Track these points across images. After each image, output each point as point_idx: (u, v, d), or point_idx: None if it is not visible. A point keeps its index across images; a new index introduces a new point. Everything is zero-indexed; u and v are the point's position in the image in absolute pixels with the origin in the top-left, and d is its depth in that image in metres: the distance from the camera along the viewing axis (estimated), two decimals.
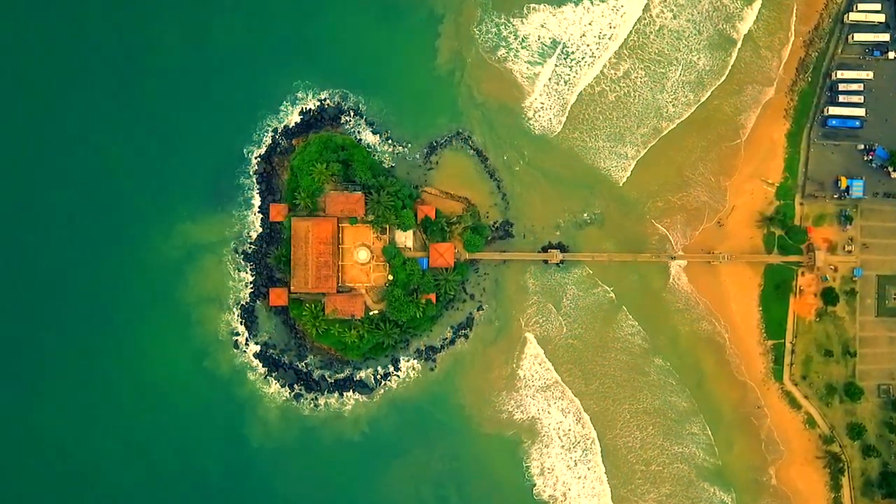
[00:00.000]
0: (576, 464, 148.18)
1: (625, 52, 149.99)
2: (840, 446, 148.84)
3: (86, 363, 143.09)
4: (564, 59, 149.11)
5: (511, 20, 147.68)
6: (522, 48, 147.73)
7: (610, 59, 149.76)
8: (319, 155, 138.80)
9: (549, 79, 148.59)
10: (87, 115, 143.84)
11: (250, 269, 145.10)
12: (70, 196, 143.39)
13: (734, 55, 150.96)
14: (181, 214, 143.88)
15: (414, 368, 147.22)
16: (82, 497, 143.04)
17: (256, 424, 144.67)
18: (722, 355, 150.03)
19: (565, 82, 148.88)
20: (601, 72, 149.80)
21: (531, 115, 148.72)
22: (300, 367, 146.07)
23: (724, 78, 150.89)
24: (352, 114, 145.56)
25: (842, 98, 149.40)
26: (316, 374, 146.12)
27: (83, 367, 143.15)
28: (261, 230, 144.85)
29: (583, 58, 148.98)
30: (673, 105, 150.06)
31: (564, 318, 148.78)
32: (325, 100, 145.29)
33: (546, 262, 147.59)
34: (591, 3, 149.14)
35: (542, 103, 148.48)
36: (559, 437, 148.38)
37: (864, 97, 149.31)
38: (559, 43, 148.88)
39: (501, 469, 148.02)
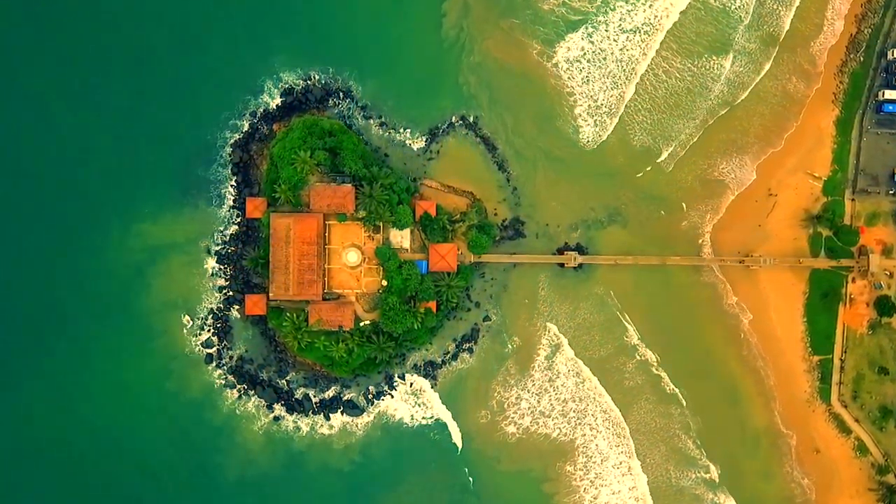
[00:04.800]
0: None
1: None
2: None
3: (34, 383, 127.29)
4: (589, 35, 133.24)
5: None
6: (540, 23, 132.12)
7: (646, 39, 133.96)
8: (303, 141, 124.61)
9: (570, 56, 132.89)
10: (31, 100, 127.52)
11: (223, 273, 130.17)
12: (15, 194, 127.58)
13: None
14: (144, 211, 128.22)
15: (411, 387, 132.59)
16: None
17: (232, 451, 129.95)
18: (760, 372, 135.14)
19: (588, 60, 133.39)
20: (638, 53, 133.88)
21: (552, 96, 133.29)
22: (281, 384, 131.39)
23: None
24: (341, 95, 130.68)
25: None
26: (299, 392, 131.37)
27: (30, 388, 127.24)
28: (236, 228, 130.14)
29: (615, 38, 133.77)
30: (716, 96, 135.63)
31: (580, 328, 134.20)
32: (310, 79, 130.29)
33: (562, 265, 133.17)
34: None
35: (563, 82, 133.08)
36: (584, 470, 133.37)
37: None
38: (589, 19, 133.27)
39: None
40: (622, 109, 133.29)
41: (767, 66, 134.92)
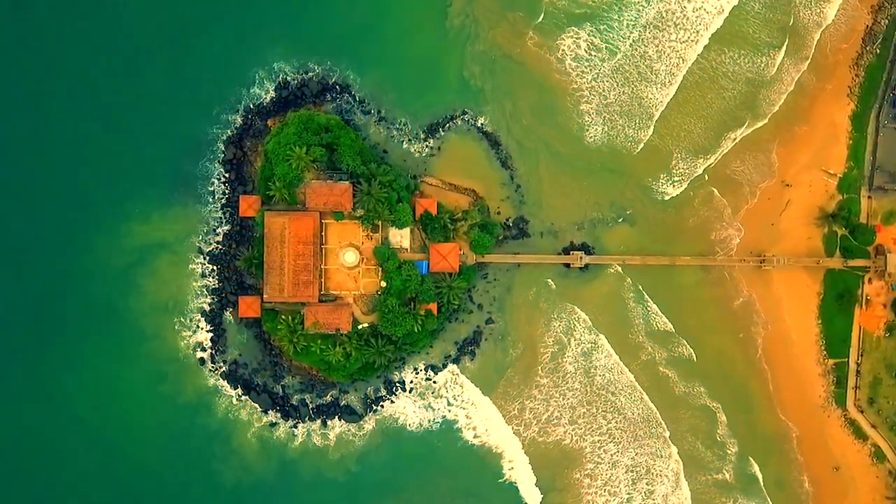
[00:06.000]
0: None
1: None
2: None
3: (23, 387, 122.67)
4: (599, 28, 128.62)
5: None
6: (546, 15, 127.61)
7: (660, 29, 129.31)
8: (298, 137, 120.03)
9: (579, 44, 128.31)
10: (10, 96, 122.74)
11: (216, 274, 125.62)
12: None
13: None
14: (133, 210, 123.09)
15: (410, 393, 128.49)
16: None
17: (227, 457, 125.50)
18: (772, 375, 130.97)
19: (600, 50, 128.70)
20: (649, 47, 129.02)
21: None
22: (276, 389, 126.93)
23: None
24: (338, 89, 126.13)
25: None
26: (295, 398, 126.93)
27: (19, 393, 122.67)
28: (229, 227, 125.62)
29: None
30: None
31: (588, 331, 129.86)
32: (307, 72, 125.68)
33: (568, 265, 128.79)
34: None
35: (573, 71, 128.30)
36: (591, 477, 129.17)
37: None
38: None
39: None
40: (657, 114, 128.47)
41: (804, 67, 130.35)
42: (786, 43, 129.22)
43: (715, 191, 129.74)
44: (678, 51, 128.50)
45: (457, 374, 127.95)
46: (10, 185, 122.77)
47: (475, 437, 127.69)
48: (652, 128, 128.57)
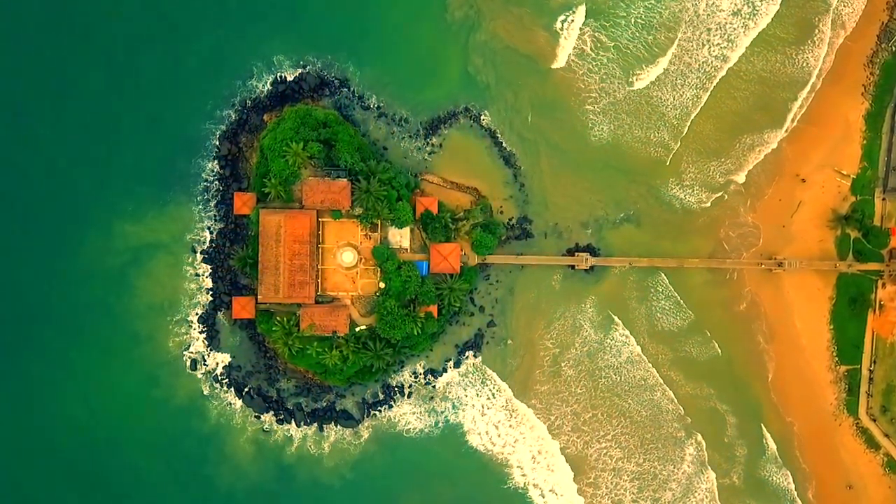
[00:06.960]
0: None
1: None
2: None
3: (17, 389, 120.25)
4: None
5: None
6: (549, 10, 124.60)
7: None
8: (295, 133, 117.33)
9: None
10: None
11: (210, 274, 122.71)
12: None
13: None
14: (126, 209, 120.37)
15: (410, 395, 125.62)
16: None
17: (221, 462, 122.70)
18: (781, 382, 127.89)
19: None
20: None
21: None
22: (271, 393, 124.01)
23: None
24: (337, 83, 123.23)
25: None
26: (290, 402, 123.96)
27: (12, 396, 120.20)
28: (222, 225, 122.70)
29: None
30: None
31: (593, 331, 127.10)
32: (305, 66, 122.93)
33: (572, 267, 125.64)
34: None
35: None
36: (594, 486, 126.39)
37: None
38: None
39: None
40: (687, 124, 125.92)
41: (828, 66, 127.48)
42: (825, 46, 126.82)
43: (739, 190, 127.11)
44: (689, 51, 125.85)
45: (465, 375, 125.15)
46: (1, 185, 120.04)
47: (479, 442, 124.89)
48: (682, 137, 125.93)
